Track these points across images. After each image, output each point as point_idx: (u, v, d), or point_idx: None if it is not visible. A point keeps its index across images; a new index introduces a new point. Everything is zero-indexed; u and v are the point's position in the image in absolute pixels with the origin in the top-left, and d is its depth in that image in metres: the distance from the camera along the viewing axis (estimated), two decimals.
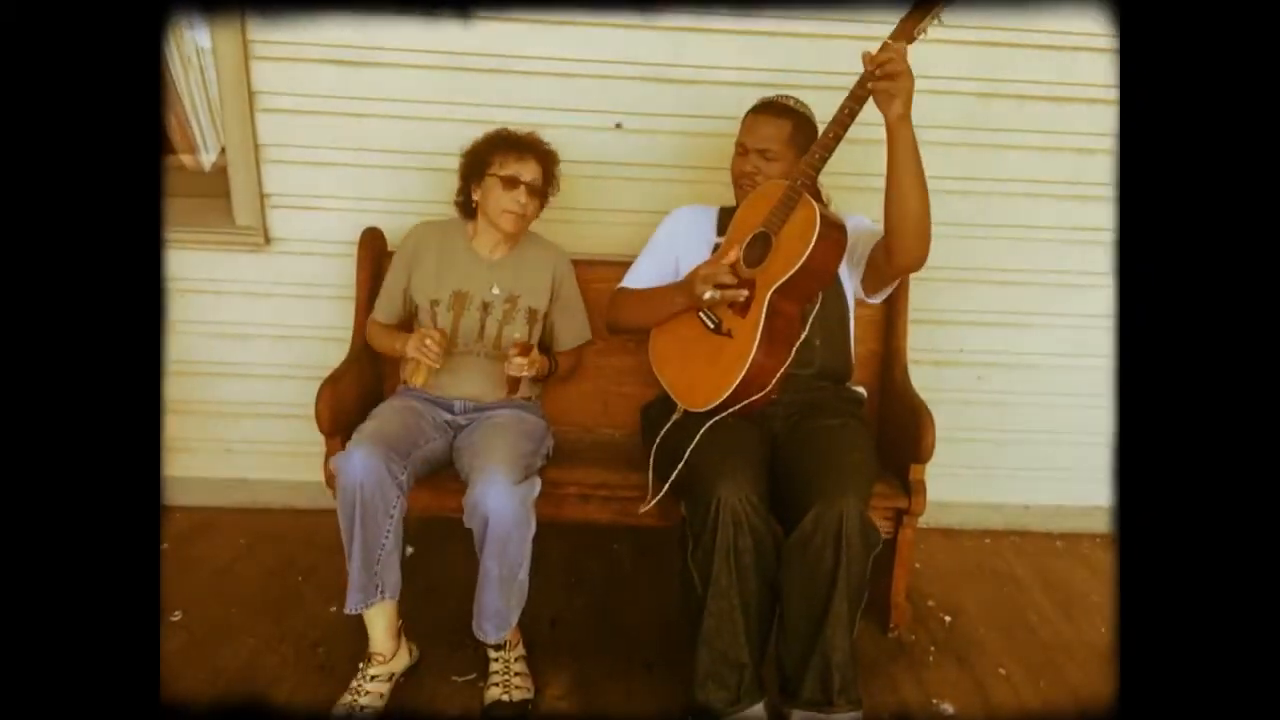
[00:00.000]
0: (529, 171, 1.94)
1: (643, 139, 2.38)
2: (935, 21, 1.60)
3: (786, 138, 1.87)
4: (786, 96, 1.93)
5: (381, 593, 1.75)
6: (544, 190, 2.00)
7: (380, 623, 1.79)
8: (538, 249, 2.09)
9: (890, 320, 2.25)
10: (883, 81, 1.57)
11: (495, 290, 2.01)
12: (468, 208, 2.04)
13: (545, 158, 1.98)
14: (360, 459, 1.67)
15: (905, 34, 1.60)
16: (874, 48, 2.30)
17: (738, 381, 1.73)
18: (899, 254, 1.74)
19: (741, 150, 1.92)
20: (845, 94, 2.27)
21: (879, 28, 2.24)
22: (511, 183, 1.92)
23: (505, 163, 1.92)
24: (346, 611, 1.74)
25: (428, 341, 1.84)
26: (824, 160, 1.71)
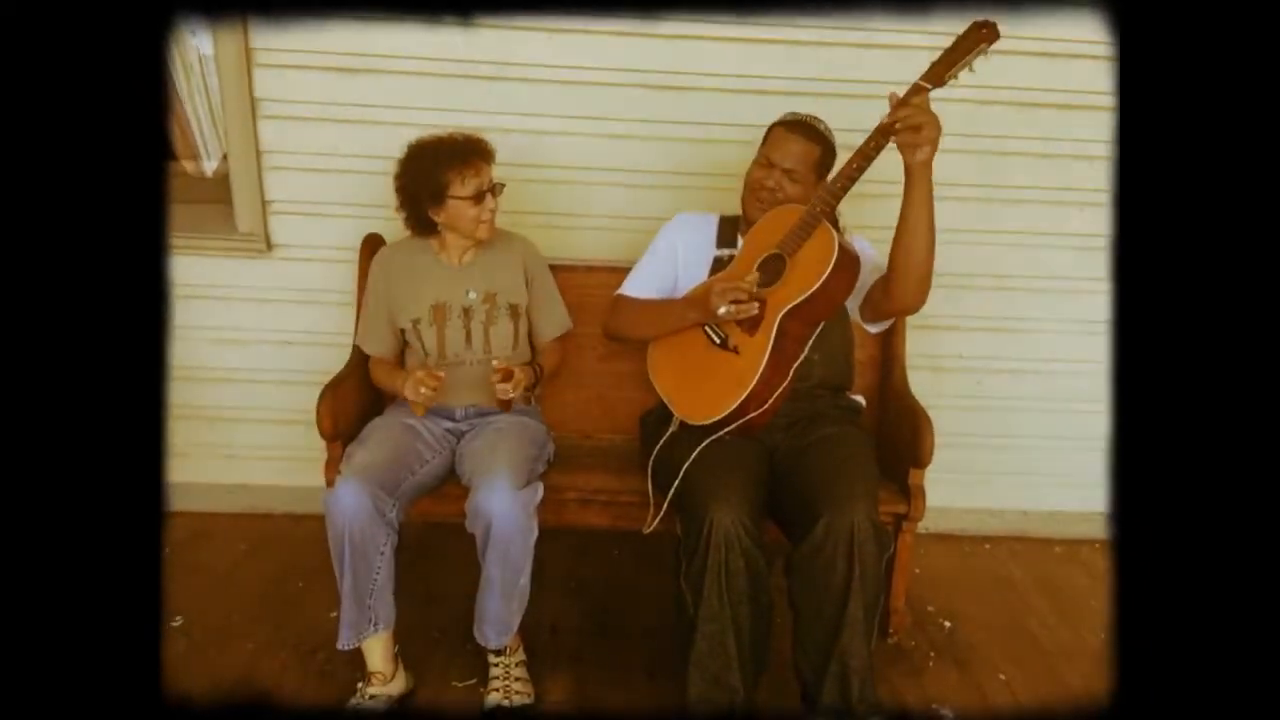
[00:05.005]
0: (486, 178, 1.90)
1: (641, 145, 2.39)
2: (968, 69, 1.59)
3: (814, 162, 1.86)
4: (815, 119, 1.91)
5: (375, 625, 1.76)
6: (498, 184, 1.94)
7: (377, 650, 1.79)
8: (504, 243, 2.06)
9: (889, 326, 2.25)
10: (907, 134, 1.56)
11: (471, 295, 2.00)
12: (427, 227, 1.97)
13: (487, 155, 1.92)
14: (349, 500, 1.67)
15: (936, 78, 1.59)
16: (875, 58, 2.31)
17: (742, 398, 1.74)
18: (897, 297, 1.75)
19: (765, 162, 1.88)
20: (844, 100, 2.28)
21: (879, 35, 2.27)
22: (478, 198, 1.89)
23: (464, 180, 1.86)
24: (339, 647, 1.75)
25: (422, 389, 1.82)
26: (845, 190, 1.71)
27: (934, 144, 1.57)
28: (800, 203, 1.84)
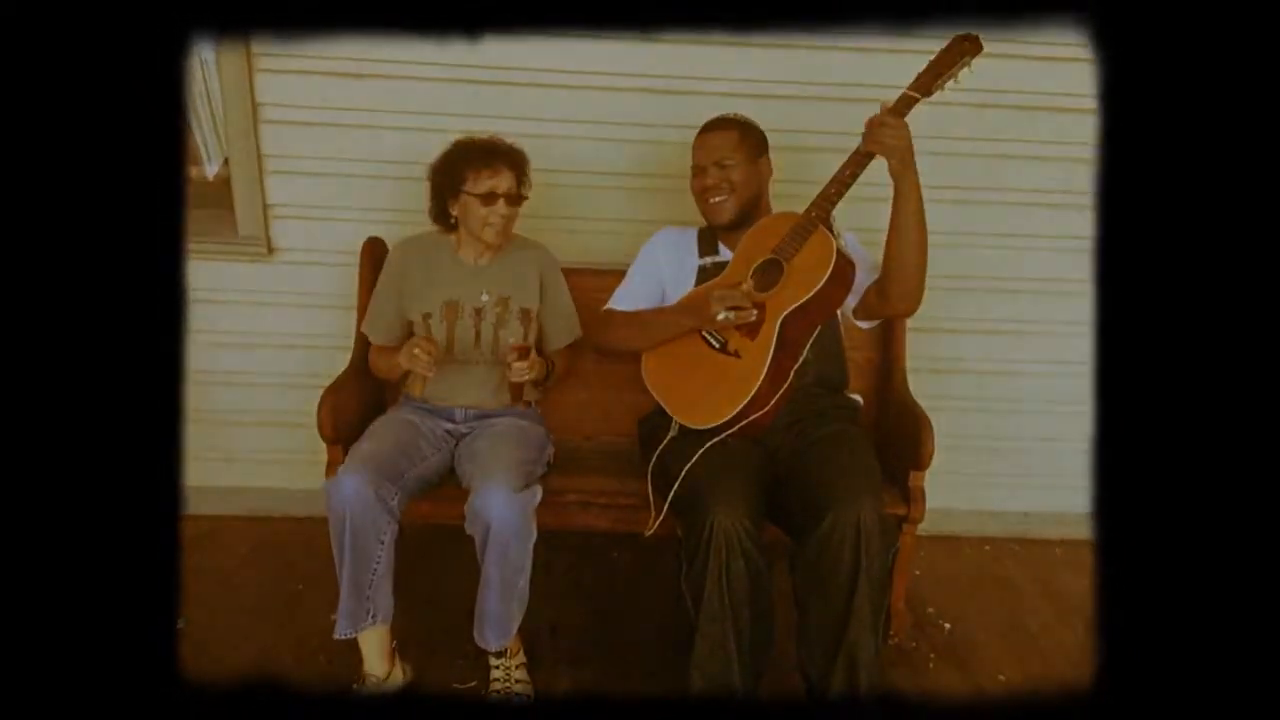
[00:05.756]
0: (504, 182, 1.91)
1: (640, 149, 2.40)
2: (953, 81, 1.64)
3: (735, 144, 1.90)
4: (726, 113, 1.97)
5: (373, 617, 1.76)
6: (520, 194, 1.95)
7: (373, 645, 1.79)
8: (523, 249, 2.08)
9: (888, 328, 2.26)
10: (877, 130, 1.64)
11: (485, 296, 2.01)
12: (446, 220, 2.00)
13: (515, 163, 1.94)
14: (350, 485, 1.67)
15: (924, 88, 1.65)
16: (870, 62, 2.34)
17: (745, 402, 1.75)
18: (893, 299, 1.80)
19: (698, 170, 1.95)
20: (840, 104, 2.29)
21: (875, 40, 2.28)
22: (489, 198, 1.89)
23: (479, 178, 1.88)
24: (336, 636, 1.75)
25: (416, 351, 1.82)
26: (839, 196, 1.74)
27: (900, 153, 1.64)
28: (746, 184, 1.90)
